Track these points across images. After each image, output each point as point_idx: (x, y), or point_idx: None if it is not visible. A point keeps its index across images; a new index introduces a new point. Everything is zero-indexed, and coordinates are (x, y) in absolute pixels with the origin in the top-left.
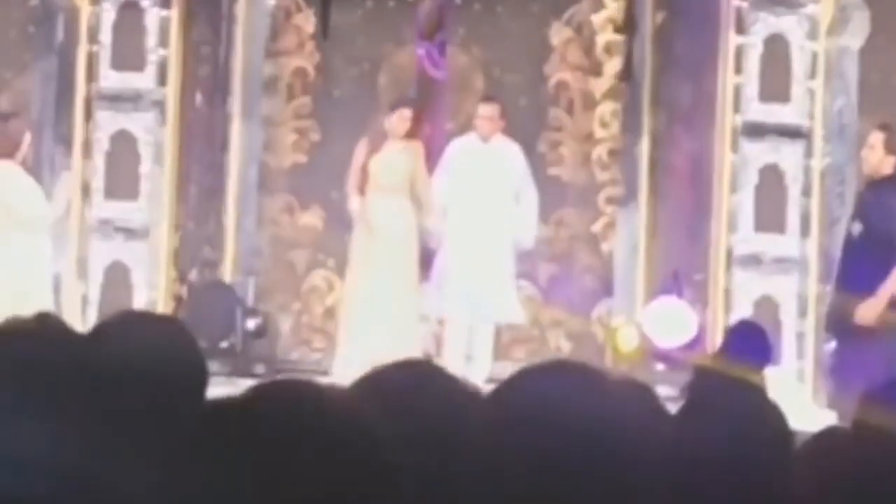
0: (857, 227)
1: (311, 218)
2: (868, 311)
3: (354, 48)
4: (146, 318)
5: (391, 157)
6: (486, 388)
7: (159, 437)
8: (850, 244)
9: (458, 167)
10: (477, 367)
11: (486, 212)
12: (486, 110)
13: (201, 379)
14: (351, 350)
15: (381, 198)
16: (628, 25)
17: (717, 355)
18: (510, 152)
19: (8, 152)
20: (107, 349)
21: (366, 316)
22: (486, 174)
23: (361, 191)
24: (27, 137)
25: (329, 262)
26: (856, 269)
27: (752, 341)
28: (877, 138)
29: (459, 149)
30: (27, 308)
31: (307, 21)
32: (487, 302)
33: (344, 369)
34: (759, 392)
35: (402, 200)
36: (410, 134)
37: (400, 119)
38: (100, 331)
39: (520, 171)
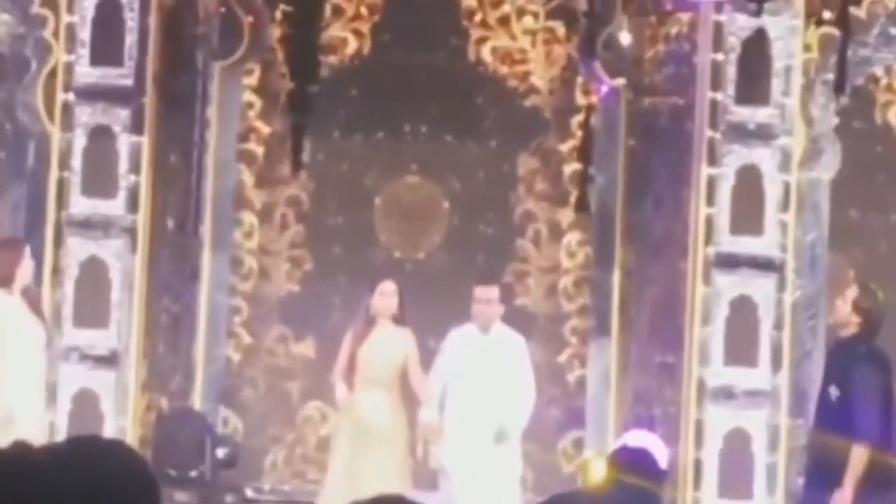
0: (835, 392)
1: (305, 348)
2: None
3: (349, 176)
4: (98, 444)
5: (380, 348)
6: None
7: None
8: (829, 408)
9: (457, 363)
10: None
11: (486, 409)
12: (485, 293)
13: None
14: None
15: (370, 394)
16: (584, 155)
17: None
18: (512, 347)
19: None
20: (57, 474)
21: None
22: (486, 370)
23: (349, 382)
24: (24, 267)
25: (323, 393)
26: (835, 433)
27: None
28: (851, 293)
29: (457, 342)
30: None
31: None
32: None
33: None
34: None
35: (392, 396)
36: (399, 318)
37: (383, 296)
38: (50, 457)
39: (521, 367)
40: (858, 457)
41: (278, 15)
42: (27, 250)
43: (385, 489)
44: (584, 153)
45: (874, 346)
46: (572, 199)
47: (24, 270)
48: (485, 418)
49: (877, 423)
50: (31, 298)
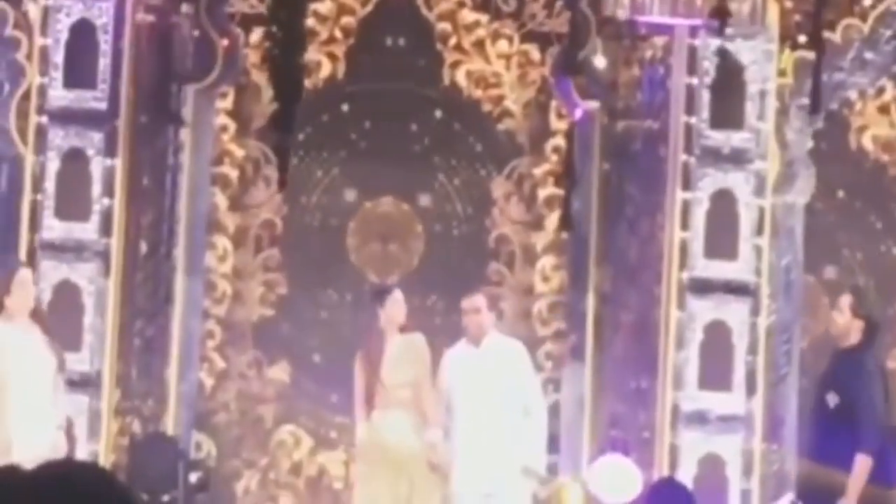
0: (834, 399)
1: (278, 372)
2: None
3: (323, 200)
4: (79, 468)
5: (400, 362)
6: None
7: None
8: (826, 415)
9: (453, 382)
10: None
11: (489, 430)
12: (470, 303)
13: None
14: None
15: (391, 415)
16: (567, 176)
17: None
18: (510, 355)
19: None
20: (42, 498)
21: None
22: (484, 385)
23: (368, 413)
24: (19, 293)
25: (297, 417)
26: (831, 441)
27: (675, 499)
28: (845, 301)
29: (451, 360)
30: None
31: (276, 173)
32: None
33: None
34: None
35: (414, 416)
36: (405, 326)
37: (396, 304)
38: (34, 480)
39: (524, 376)
40: (862, 465)
41: (261, 34)
42: (20, 275)
43: None
44: (566, 174)
45: (880, 361)
46: (546, 222)
47: (20, 296)
48: (493, 437)
49: (879, 439)
50: (42, 321)
